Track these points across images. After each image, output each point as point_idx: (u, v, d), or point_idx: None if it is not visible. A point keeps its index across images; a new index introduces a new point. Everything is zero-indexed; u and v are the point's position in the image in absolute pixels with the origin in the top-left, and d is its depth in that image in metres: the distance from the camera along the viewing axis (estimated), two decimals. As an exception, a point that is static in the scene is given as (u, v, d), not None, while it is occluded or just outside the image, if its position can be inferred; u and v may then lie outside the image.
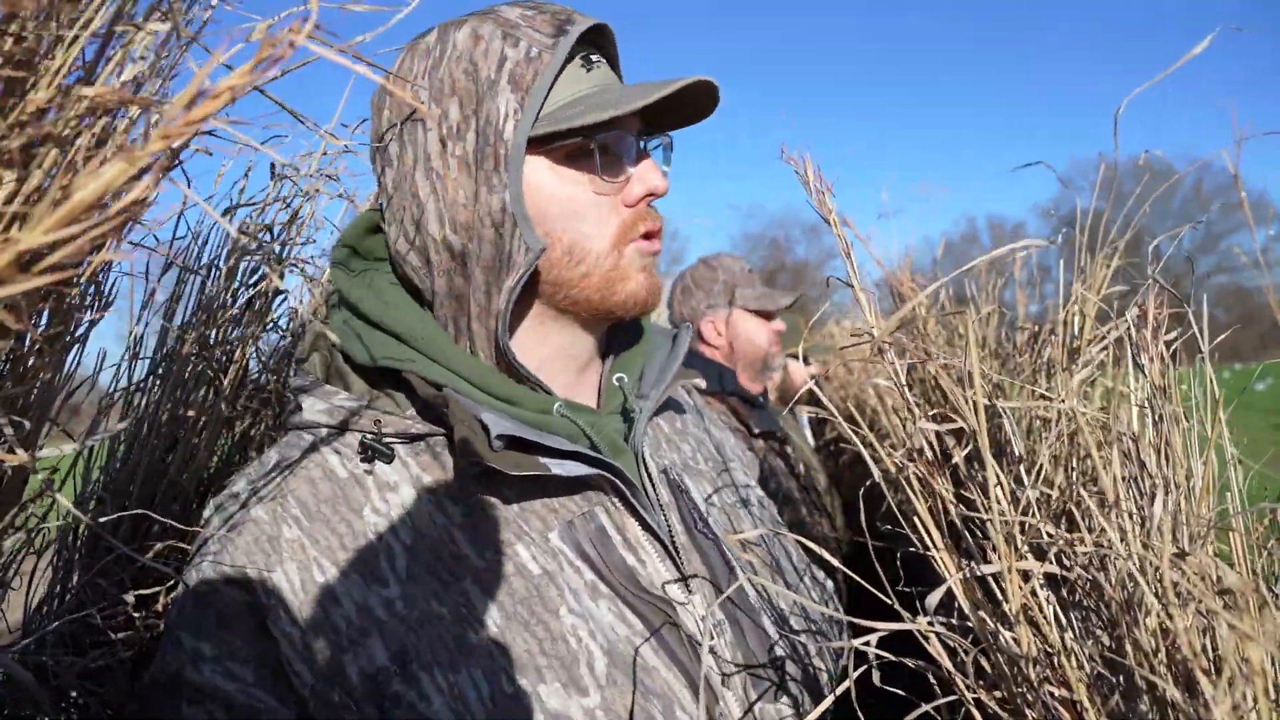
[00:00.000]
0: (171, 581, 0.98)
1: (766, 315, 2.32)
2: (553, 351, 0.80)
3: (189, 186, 0.73)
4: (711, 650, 0.72)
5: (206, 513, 0.73)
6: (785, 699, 0.75)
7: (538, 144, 0.73)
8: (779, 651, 0.77)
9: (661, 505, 0.78)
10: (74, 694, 0.90)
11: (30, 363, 0.67)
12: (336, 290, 0.80)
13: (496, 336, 0.75)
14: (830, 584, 0.97)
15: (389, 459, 0.72)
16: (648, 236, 0.79)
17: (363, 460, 0.72)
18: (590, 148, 0.74)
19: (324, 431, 0.75)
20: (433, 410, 0.74)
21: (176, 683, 0.65)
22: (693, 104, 0.79)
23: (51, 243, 0.39)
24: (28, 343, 0.66)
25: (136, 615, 0.92)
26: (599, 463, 0.73)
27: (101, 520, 0.95)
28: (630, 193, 0.78)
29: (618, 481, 0.73)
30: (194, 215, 1.11)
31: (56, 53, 0.48)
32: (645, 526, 0.75)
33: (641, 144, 0.79)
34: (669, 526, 0.77)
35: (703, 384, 0.96)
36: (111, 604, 0.92)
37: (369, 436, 0.72)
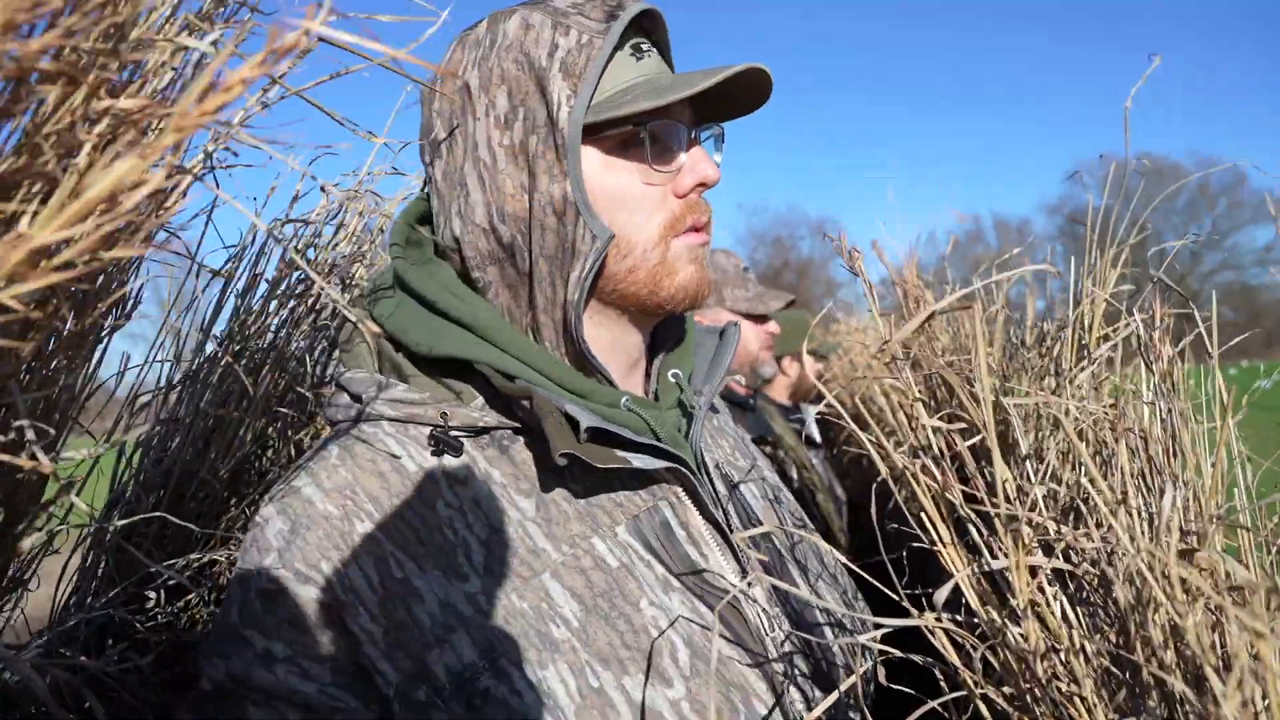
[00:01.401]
0: (197, 581, 0.99)
1: (758, 318, 2.28)
2: (606, 345, 0.79)
3: (226, 193, 0.74)
4: (773, 642, 0.73)
5: (264, 509, 0.69)
6: (822, 692, 0.76)
7: (588, 132, 0.72)
8: (820, 646, 0.78)
9: (720, 499, 0.79)
10: (92, 694, 0.91)
11: (54, 365, 0.67)
12: (396, 277, 0.79)
13: (569, 328, 0.74)
14: (848, 588, 0.98)
15: (458, 452, 0.71)
16: (697, 229, 0.78)
17: (432, 454, 0.71)
18: (641, 136, 0.73)
19: (386, 424, 0.73)
20: (503, 402, 0.73)
21: (243, 686, 0.63)
22: (746, 93, 0.78)
23: (64, 239, 0.39)
24: (51, 345, 0.66)
25: (161, 615, 0.92)
26: (671, 456, 0.73)
27: (121, 524, 0.95)
28: (681, 183, 0.76)
29: (689, 475, 0.73)
30: (235, 226, 1.12)
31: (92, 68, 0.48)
32: (709, 519, 0.75)
33: (693, 133, 0.77)
34: (727, 520, 0.77)
35: (742, 381, 0.97)
36: (135, 603, 0.92)
37: (438, 430, 0.71)
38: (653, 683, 0.65)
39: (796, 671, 0.74)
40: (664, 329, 0.88)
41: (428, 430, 0.72)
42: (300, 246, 1.18)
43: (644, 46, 0.76)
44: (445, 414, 0.72)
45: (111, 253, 0.51)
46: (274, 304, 1.14)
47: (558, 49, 0.72)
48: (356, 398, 0.74)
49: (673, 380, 0.84)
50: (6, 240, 0.37)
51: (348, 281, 1.23)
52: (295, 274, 1.15)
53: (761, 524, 0.83)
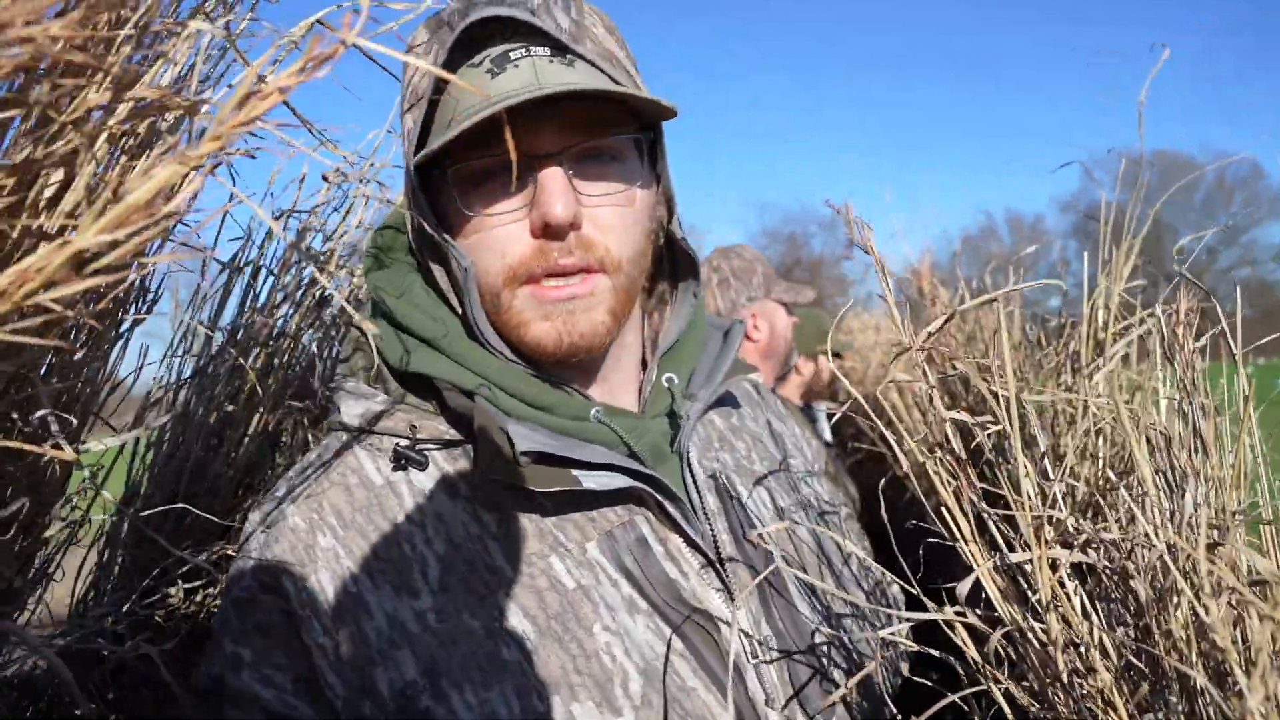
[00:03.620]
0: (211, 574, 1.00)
1: (788, 309, 2.29)
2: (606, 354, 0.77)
3: (238, 189, 0.75)
4: (756, 670, 0.69)
5: (252, 516, 0.71)
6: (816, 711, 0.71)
7: (443, 160, 0.69)
8: (828, 668, 0.74)
9: (708, 514, 0.74)
10: (115, 685, 0.92)
11: (76, 358, 0.68)
12: (373, 298, 0.78)
13: (509, 334, 0.73)
14: (888, 590, 0.93)
15: (422, 466, 0.70)
16: (555, 274, 0.69)
17: (395, 469, 0.70)
18: (459, 172, 0.69)
19: (361, 436, 0.73)
20: (463, 419, 0.71)
21: (220, 687, 0.65)
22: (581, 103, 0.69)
23: (104, 244, 0.40)
24: (73, 338, 0.67)
25: (181, 607, 0.94)
26: (635, 474, 0.69)
27: (143, 514, 0.97)
28: (531, 221, 0.69)
29: (657, 495, 0.70)
30: (244, 217, 1.14)
31: (109, 57, 0.49)
32: (687, 539, 0.71)
33: (559, 155, 0.68)
34: (714, 537, 0.73)
35: (759, 378, 0.94)
36: (155, 596, 0.93)
37: (402, 444, 0.70)
38: (601, 710, 0.62)
39: (779, 701, 0.69)
40: (664, 328, 0.83)
41: (399, 443, 0.71)
42: (303, 237, 1.18)
43: (514, 56, 0.68)
44: (414, 426, 0.71)
45: (150, 258, 0.52)
46: (280, 296, 1.15)
47: (416, 72, 0.72)
48: (338, 407, 0.74)
49: (665, 385, 0.80)
50: (52, 246, 0.38)
51: (354, 271, 1.23)
52: (297, 264, 1.16)
53: (761, 537, 0.77)
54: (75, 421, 0.75)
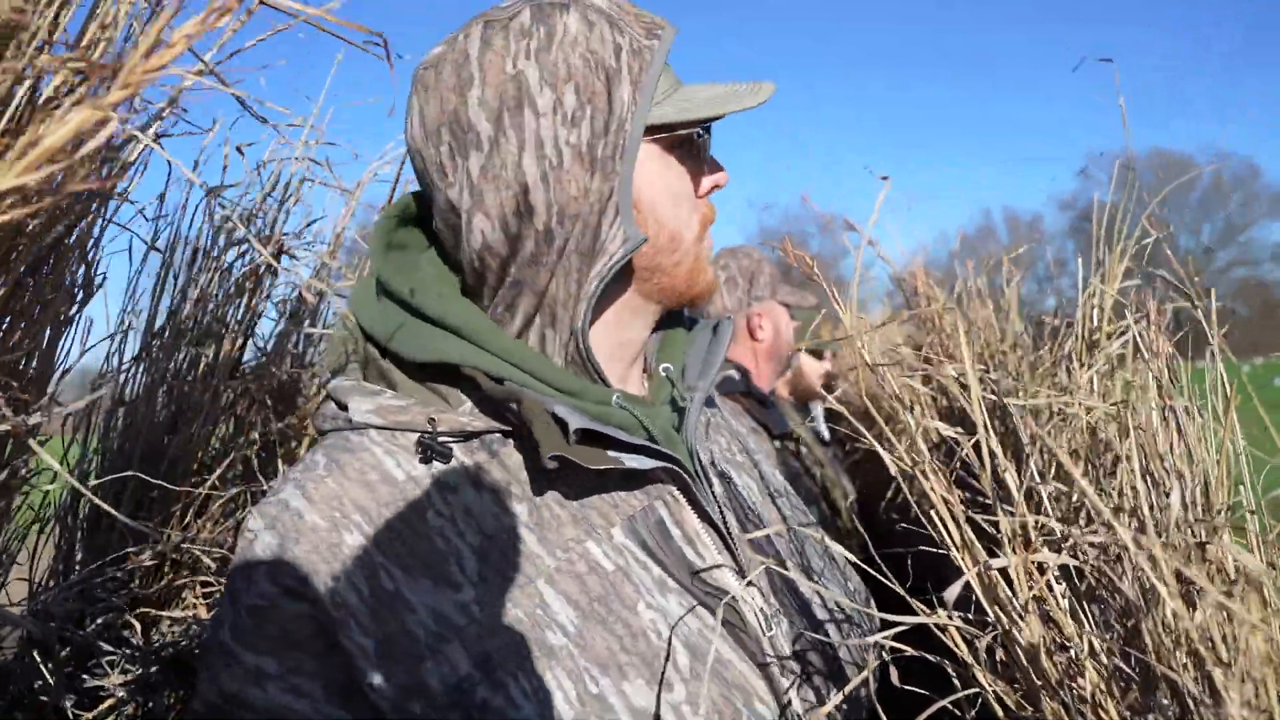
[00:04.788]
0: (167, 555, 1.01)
1: (790, 312, 2.31)
2: (621, 340, 0.80)
3: (171, 168, 0.74)
4: (772, 641, 0.73)
5: (251, 520, 0.68)
6: (833, 691, 0.75)
7: (648, 134, 0.75)
8: (824, 645, 0.77)
9: (716, 497, 0.78)
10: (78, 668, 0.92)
11: (22, 340, 0.69)
12: (378, 282, 0.78)
13: (575, 324, 0.74)
14: (856, 584, 0.96)
15: (447, 459, 0.70)
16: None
17: (421, 461, 0.70)
18: (697, 141, 0.78)
19: (374, 433, 0.72)
20: (492, 406, 0.72)
21: (235, 704, 0.63)
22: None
23: (23, 186, 0.41)
24: (15, 313, 0.68)
25: (140, 589, 0.94)
26: (664, 455, 0.72)
27: (96, 484, 0.97)
28: (702, 185, 0.80)
29: (682, 473, 0.73)
30: (181, 200, 1.13)
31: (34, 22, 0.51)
32: (705, 518, 0.74)
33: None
34: (724, 516, 0.77)
35: (736, 376, 0.96)
36: (112, 574, 0.94)
37: (426, 436, 0.70)
38: (652, 687, 0.65)
39: (797, 673, 0.73)
40: (660, 325, 0.87)
41: (415, 438, 0.71)
42: (233, 214, 1.18)
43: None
44: (433, 420, 0.71)
45: (59, 194, 0.53)
46: (211, 275, 1.15)
47: (621, 50, 0.72)
48: (343, 406, 0.73)
49: (664, 375, 0.83)
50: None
51: (290, 251, 1.23)
52: (223, 242, 1.16)
53: (760, 520, 0.83)
54: (22, 397, 0.75)
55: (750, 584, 0.73)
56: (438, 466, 0.70)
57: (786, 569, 0.79)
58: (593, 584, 0.68)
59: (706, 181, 0.81)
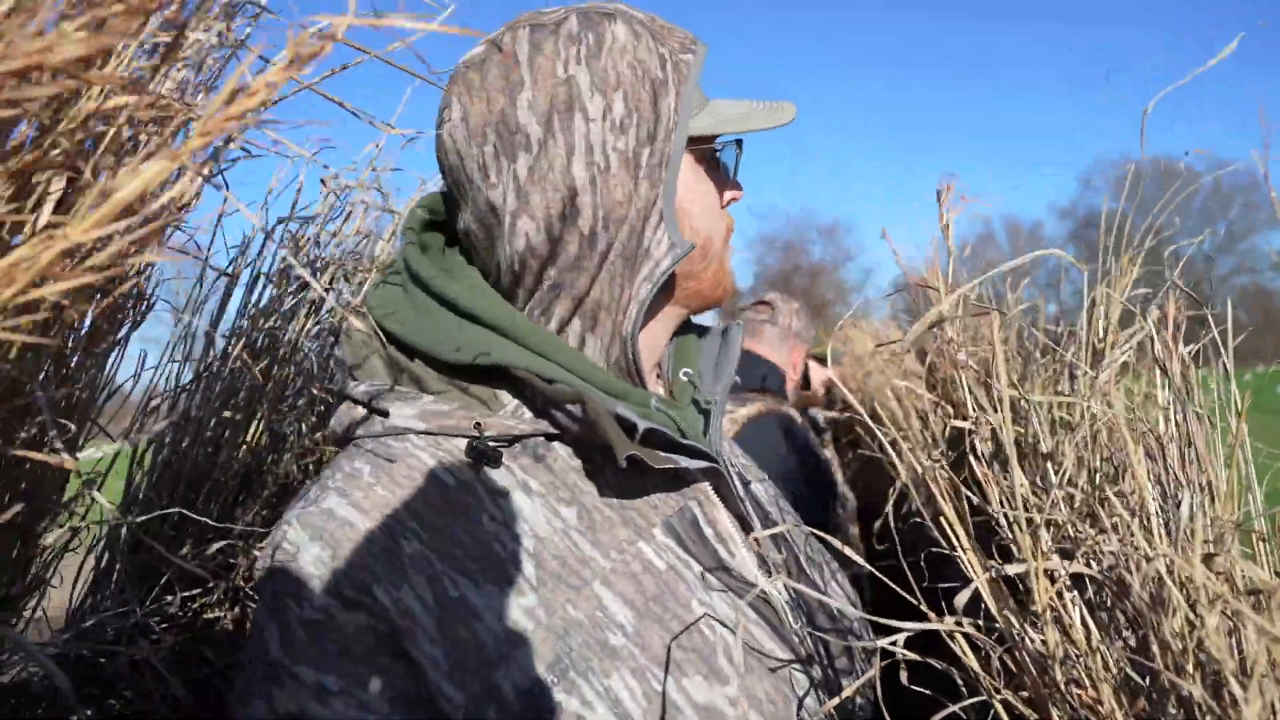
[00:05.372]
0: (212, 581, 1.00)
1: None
2: (650, 344, 0.82)
3: (231, 193, 0.74)
4: (799, 636, 0.75)
5: (291, 534, 0.65)
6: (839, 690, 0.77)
7: (688, 144, 0.76)
8: (838, 646, 0.80)
9: (742, 497, 0.79)
10: (112, 692, 0.92)
11: (74, 363, 0.68)
12: (415, 280, 0.76)
13: (624, 329, 0.75)
14: (852, 595, 0.97)
15: (497, 463, 0.69)
16: None
17: (470, 466, 0.69)
18: (731, 154, 0.82)
19: (416, 438, 0.71)
20: (543, 407, 0.71)
21: None
22: None
23: (95, 239, 0.40)
24: (72, 343, 0.67)
25: (179, 615, 0.93)
26: (707, 455, 0.74)
27: (140, 520, 0.96)
28: (725, 197, 0.83)
29: (725, 473, 0.76)
30: (244, 224, 1.14)
31: (109, 62, 0.50)
32: (737, 516, 0.77)
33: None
34: (748, 518, 0.78)
35: (737, 380, 0.97)
36: (152, 604, 0.93)
37: (476, 441, 0.69)
38: (710, 681, 0.66)
39: (820, 669, 0.75)
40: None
41: (462, 442, 0.70)
42: (300, 243, 1.18)
43: None
44: (479, 424, 0.69)
45: (139, 257, 0.52)
46: (279, 301, 1.15)
47: (665, 62, 0.74)
48: (383, 412, 0.71)
49: (685, 379, 0.85)
50: (40, 239, 0.38)
51: (350, 276, 1.23)
52: (290, 271, 1.16)
53: (775, 522, 0.85)
54: (74, 428, 0.75)
55: (780, 580, 0.76)
56: (487, 471, 0.69)
57: (802, 573, 0.81)
58: (648, 583, 0.69)
59: (727, 194, 0.83)
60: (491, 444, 0.69)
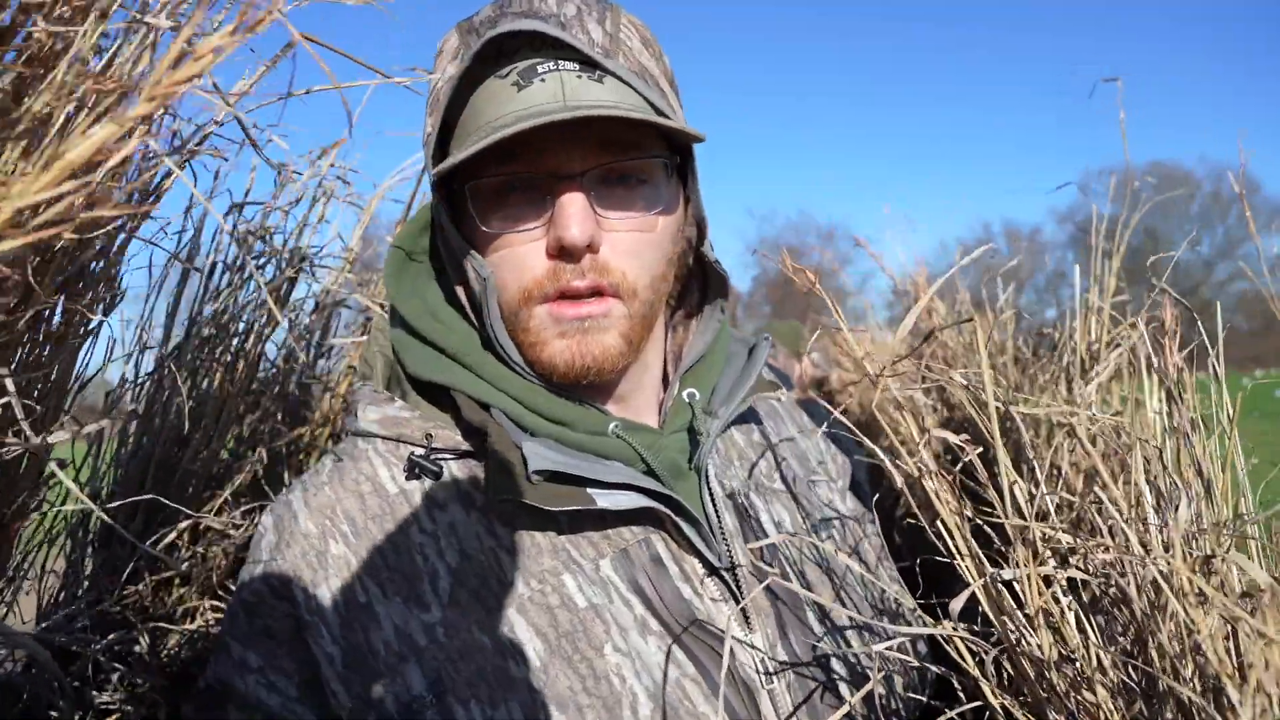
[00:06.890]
0: (186, 570, 1.00)
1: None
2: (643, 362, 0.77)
3: (195, 186, 0.75)
4: (770, 693, 0.67)
5: (264, 520, 0.71)
6: None
7: (468, 173, 0.68)
8: (844, 691, 0.71)
9: (725, 534, 0.72)
10: (87, 684, 0.91)
11: (43, 353, 0.68)
12: (392, 305, 0.77)
13: (525, 352, 0.71)
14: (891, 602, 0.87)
15: (436, 476, 0.69)
16: (569, 296, 0.68)
17: (409, 478, 0.69)
18: (481, 190, 0.69)
19: (379, 442, 0.72)
20: (478, 432, 0.69)
21: (226, 690, 0.66)
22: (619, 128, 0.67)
23: (46, 201, 0.40)
24: (42, 334, 0.68)
25: (151, 605, 0.93)
26: (653, 493, 0.67)
27: (111, 506, 0.97)
28: (547, 241, 0.68)
29: (673, 515, 0.68)
30: (206, 216, 1.14)
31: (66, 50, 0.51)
32: (704, 560, 0.69)
33: (580, 177, 0.67)
34: (731, 558, 0.71)
35: (785, 394, 0.91)
36: (126, 594, 0.93)
37: (417, 453, 0.69)
38: None
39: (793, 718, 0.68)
40: (688, 344, 0.82)
41: (420, 450, 0.70)
42: (256, 231, 1.18)
43: (541, 70, 0.66)
44: (430, 435, 0.70)
45: (90, 213, 0.52)
46: (238, 292, 1.15)
47: (441, 76, 0.71)
48: (356, 412, 0.74)
49: (686, 401, 0.78)
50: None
51: (314, 265, 1.23)
52: (249, 257, 1.16)
53: (779, 558, 0.76)
54: (38, 409, 0.75)
55: (753, 629, 0.69)
56: (429, 482, 0.70)
57: (802, 612, 0.73)
58: (563, 619, 0.65)
59: (550, 237, 0.72)
60: (438, 456, 0.70)
